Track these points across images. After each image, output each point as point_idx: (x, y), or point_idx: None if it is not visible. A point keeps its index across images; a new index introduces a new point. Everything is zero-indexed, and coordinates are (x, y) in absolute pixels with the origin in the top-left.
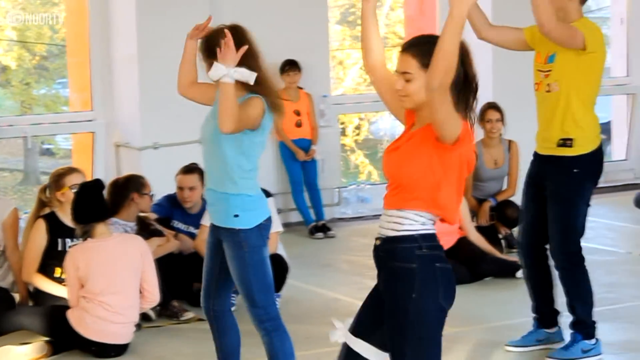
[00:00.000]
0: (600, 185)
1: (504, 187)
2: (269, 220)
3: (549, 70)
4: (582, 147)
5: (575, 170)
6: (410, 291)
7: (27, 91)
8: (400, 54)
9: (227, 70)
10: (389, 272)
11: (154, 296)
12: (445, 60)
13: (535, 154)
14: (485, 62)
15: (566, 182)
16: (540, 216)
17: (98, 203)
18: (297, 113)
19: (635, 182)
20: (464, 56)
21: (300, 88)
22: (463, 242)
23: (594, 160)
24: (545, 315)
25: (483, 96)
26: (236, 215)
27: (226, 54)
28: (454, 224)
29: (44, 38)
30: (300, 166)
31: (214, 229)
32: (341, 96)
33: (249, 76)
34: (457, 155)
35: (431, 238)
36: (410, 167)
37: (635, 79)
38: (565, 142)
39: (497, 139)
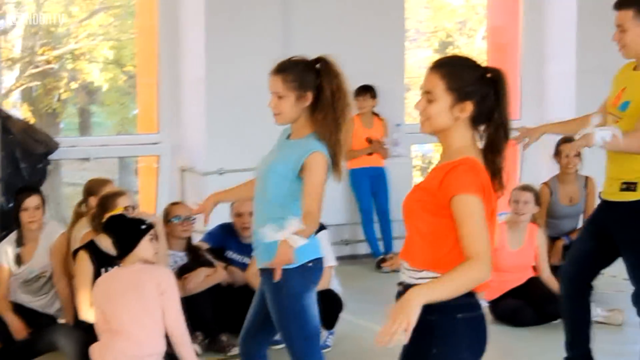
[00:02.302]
0: None
1: (580, 225)
2: (318, 262)
3: (620, 118)
4: None
5: None
6: (429, 346)
7: (121, 111)
8: (428, 72)
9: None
10: None
11: (175, 337)
12: None
13: (601, 199)
14: (568, 89)
15: (636, 228)
16: (595, 254)
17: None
18: (369, 141)
19: None
20: (499, 86)
21: (376, 114)
22: (533, 282)
23: None
24: (574, 358)
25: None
26: None
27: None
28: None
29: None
30: (370, 194)
31: (262, 273)
32: (417, 125)
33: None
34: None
35: None
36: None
37: None
38: (629, 187)
39: (573, 175)
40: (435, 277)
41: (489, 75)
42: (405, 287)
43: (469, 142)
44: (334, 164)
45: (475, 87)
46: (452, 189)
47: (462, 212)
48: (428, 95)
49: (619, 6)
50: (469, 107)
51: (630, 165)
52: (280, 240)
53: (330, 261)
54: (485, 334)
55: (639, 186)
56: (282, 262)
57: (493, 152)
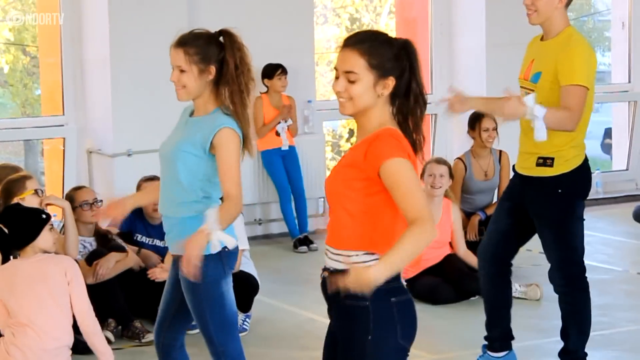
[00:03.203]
0: (598, 196)
1: (495, 200)
2: (234, 248)
3: (532, 90)
4: (564, 165)
5: (559, 191)
6: (365, 333)
7: (25, 92)
8: (344, 50)
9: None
10: (340, 311)
11: (85, 326)
12: None
13: (515, 172)
14: (478, 63)
15: (553, 204)
16: (513, 232)
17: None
18: (279, 122)
19: (636, 194)
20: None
21: (283, 94)
22: (450, 259)
23: (579, 178)
24: (494, 338)
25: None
26: None
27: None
28: None
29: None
30: (285, 174)
31: (175, 259)
32: (327, 102)
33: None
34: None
35: None
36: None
37: (637, 85)
38: (545, 162)
39: (488, 150)
40: (373, 258)
41: (403, 48)
42: (331, 273)
43: (387, 117)
44: (245, 138)
45: (395, 62)
46: (379, 157)
47: (393, 176)
48: (349, 75)
49: None
50: (391, 83)
51: (548, 140)
52: (199, 232)
53: (243, 244)
54: (416, 319)
55: (556, 161)
56: (193, 255)
57: (412, 124)
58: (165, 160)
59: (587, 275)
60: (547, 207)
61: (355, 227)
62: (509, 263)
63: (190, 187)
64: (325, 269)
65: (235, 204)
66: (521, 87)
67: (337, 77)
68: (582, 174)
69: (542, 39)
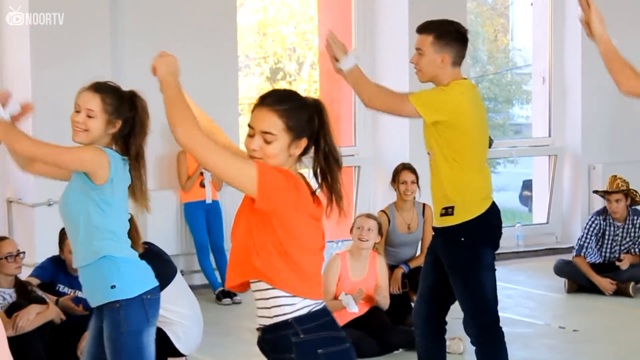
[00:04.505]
0: (519, 249)
1: (418, 252)
2: (155, 291)
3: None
4: (465, 213)
5: (462, 239)
6: None
7: None
8: (260, 109)
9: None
10: None
11: None
12: None
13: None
14: (402, 122)
15: (459, 252)
16: (440, 285)
17: None
18: (202, 172)
19: (557, 247)
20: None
21: None
22: (373, 312)
23: (482, 226)
24: None
25: (399, 156)
26: (113, 286)
27: None
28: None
29: None
30: (206, 228)
31: (96, 311)
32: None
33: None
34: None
35: (310, 318)
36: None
37: (557, 139)
38: (447, 211)
39: (410, 202)
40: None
41: (315, 108)
42: (262, 331)
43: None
44: (136, 192)
45: (308, 124)
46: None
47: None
48: (265, 135)
49: (419, 30)
50: (303, 143)
51: (444, 192)
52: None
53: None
54: None
55: (457, 209)
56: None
57: (328, 180)
58: (65, 217)
59: (509, 329)
60: (453, 255)
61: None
62: (443, 319)
63: (91, 229)
64: (258, 329)
65: None
66: None
67: (251, 135)
68: (486, 221)
69: None
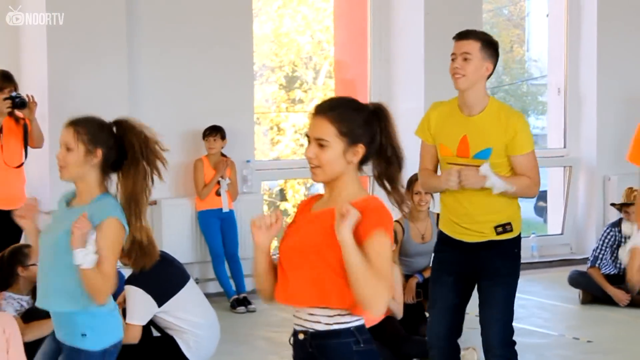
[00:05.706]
0: (534, 260)
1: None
2: (119, 344)
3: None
4: (517, 227)
5: (515, 251)
6: None
7: None
8: (315, 118)
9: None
10: None
11: None
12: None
13: (458, 242)
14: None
15: (512, 264)
16: (461, 305)
17: None
18: (218, 181)
19: (571, 258)
20: (384, 122)
21: (223, 155)
22: (388, 322)
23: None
24: None
25: (413, 167)
26: (84, 335)
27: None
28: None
29: None
30: (221, 237)
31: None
32: (267, 162)
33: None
34: None
35: (366, 330)
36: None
37: (572, 150)
38: (506, 228)
39: (425, 212)
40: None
41: (374, 113)
42: (311, 335)
43: (358, 184)
44: (128, 224)
45: (365, 128)
46: (370, 225)
47: (376, 249)
48: (319, 142)
49: (466, 36)
50: (360, 150)
51: (505, 207)
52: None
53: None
54: None
55: (514, 225)
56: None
57: (391, 184)
58: (44, 252)
59: (523, 339)
60: (508, 266)
61: (338, 281)
62: (459, 335)
63: (72, 280)
64: (300, 332)
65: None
66: (454, 163)
67: (310, 143)
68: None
69: (465, 112)
